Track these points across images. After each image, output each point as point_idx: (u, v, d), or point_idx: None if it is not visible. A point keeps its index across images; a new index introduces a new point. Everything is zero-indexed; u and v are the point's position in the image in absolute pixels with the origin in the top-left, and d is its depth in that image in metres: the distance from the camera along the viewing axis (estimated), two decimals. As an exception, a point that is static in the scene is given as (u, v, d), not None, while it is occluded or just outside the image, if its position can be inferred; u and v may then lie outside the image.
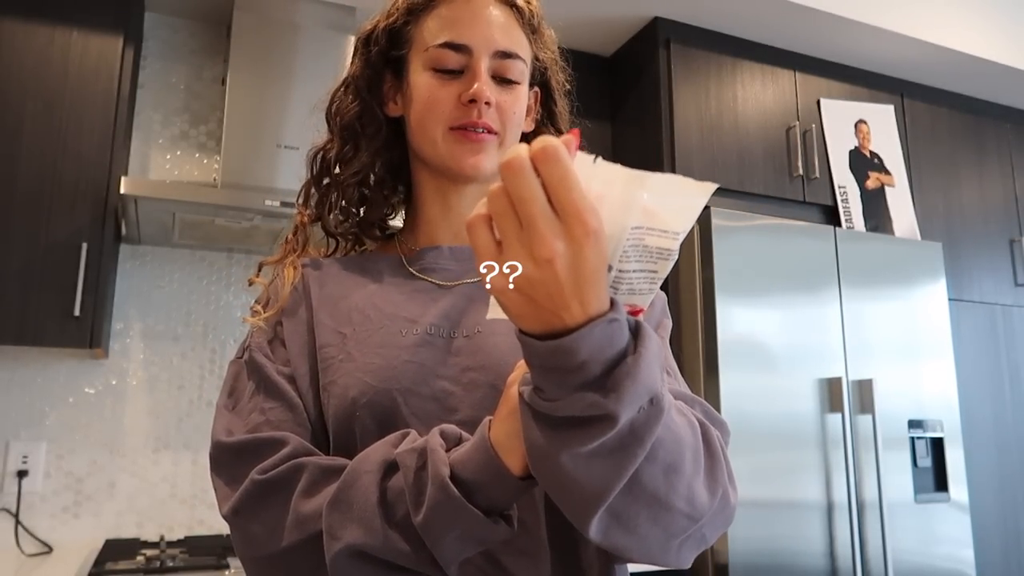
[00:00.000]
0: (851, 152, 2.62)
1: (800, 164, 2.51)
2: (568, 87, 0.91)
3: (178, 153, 2.37)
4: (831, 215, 2.55)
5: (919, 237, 2.61)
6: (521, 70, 0.80)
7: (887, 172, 2.67)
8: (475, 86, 0.76)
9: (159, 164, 2.34)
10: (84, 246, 1.87)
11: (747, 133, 2.46)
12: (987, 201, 2.89)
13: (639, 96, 2.48)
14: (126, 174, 2.18)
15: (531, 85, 0.86)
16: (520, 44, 0.80)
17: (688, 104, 2.39)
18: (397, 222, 0.92)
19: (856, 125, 2.66)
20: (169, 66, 2.39)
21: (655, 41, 2.41)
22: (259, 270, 0.85)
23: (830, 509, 2.08)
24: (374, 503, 0.59)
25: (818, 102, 2.62)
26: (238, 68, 2.16)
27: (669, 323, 0.82)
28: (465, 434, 0.63)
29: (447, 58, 0.77)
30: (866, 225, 2.55)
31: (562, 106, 0.89)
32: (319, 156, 0.85)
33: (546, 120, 0.89)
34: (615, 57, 2.62)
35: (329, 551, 0.60)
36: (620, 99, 2.59)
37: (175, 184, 2.18)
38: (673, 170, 2.31)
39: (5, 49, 1.92)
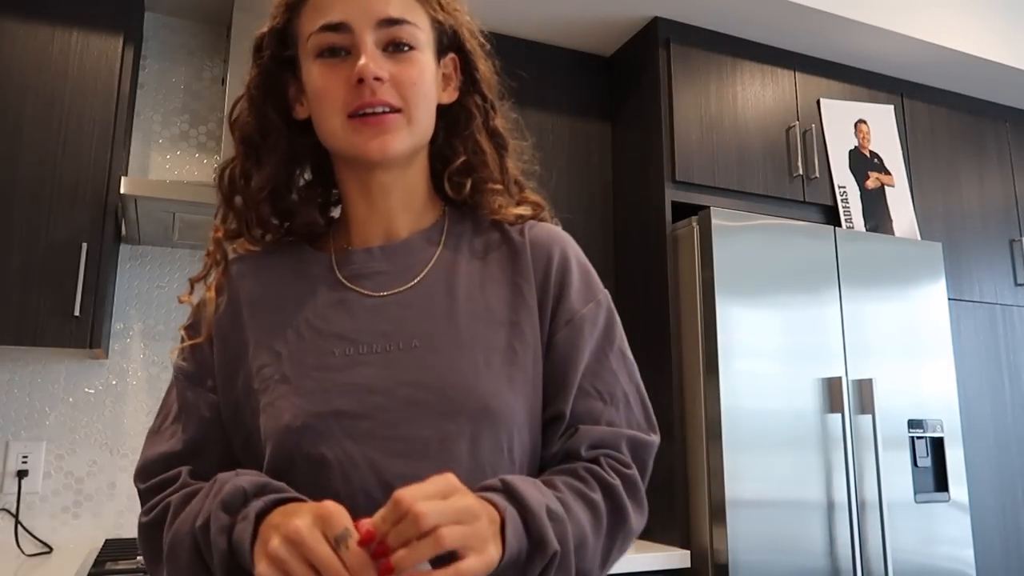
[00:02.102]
0: (851, 152, 2.62)
1: (800, 164, 2.51)
2: (489, 46, 0.83)
3: (178, 153, 2.37)
4: (831, 215, 2.55)
5: (919, 237, 2.61)
6: (414, 35, 0.74)
7: (887, 172, 2.67)
8: (359, 63, 0.70)
9: (159, 164, 2.34)
10: (84, 246, 1.87)
11: (747, 133, 2.46)
12: (987, 201, 2.89)
13: (639, 96, 2.48)
14: (126, 174, 2.18)
15: (445, 51, 0.80)
16: (408, 7, 0.74)
17: (688, 104, 2.38)
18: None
19: (856, 125, 2.66)
20: (169, 66, 2.39)
21: (655, 41, 2.41)
22: (191, 288, 0.83)
23: (830, 509, 2.08)
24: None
25: (818, 102, 2.62)
26: (238, 68, 2.16)
27: (618, 333, 0.80)
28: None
29: (328, 40, 0.73)
30: (866, 225, 2.55)
31: (485, 69, 0.82)
32: (225, 173, 0.80)
33: (470, 87, 0.82)
34: (615, 57, 2.62)
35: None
36: (620, 99, 2.58)
37: (175, 184, 2.18)
38: (673, 170, 2.31)
39: (5, 49, 1.92)
